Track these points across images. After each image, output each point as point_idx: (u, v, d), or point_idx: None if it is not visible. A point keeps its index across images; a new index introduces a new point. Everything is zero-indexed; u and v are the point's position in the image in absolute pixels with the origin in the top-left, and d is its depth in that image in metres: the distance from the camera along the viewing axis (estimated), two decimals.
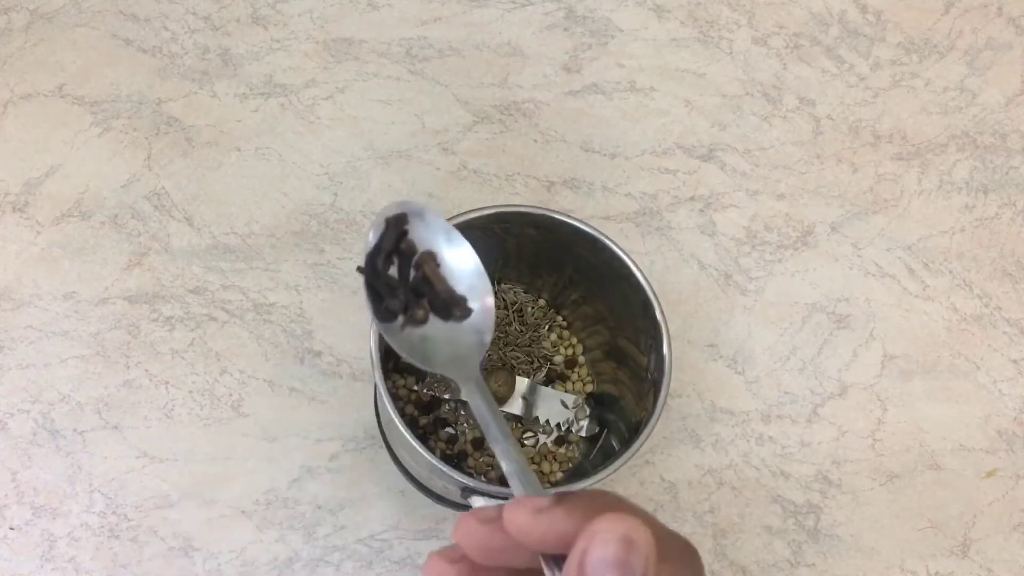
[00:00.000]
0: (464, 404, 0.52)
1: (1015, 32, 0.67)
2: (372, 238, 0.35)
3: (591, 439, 0.52)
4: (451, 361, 0.33)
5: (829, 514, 0.55)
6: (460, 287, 0.35)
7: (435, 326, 0.34)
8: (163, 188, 0.56)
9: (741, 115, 0.62)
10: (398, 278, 0.35)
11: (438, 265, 0.35)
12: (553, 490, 0.28)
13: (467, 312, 0.34)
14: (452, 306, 0.34)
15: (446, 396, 0.51)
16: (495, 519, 0.24)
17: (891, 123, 0.64)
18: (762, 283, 0.59)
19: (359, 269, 0.35)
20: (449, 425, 0.52)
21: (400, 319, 0.34)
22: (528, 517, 0.23)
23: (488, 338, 0.34)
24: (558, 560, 0.24)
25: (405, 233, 0.35)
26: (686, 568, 0.25)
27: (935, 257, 0.61)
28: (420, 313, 0.34)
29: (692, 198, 0.60)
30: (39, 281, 0.54)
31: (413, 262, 0.35)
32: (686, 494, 0.54)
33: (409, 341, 0.34)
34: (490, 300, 0.34)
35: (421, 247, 0.35)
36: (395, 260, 0.35)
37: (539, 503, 0.23)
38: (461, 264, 0.35)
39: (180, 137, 0.58)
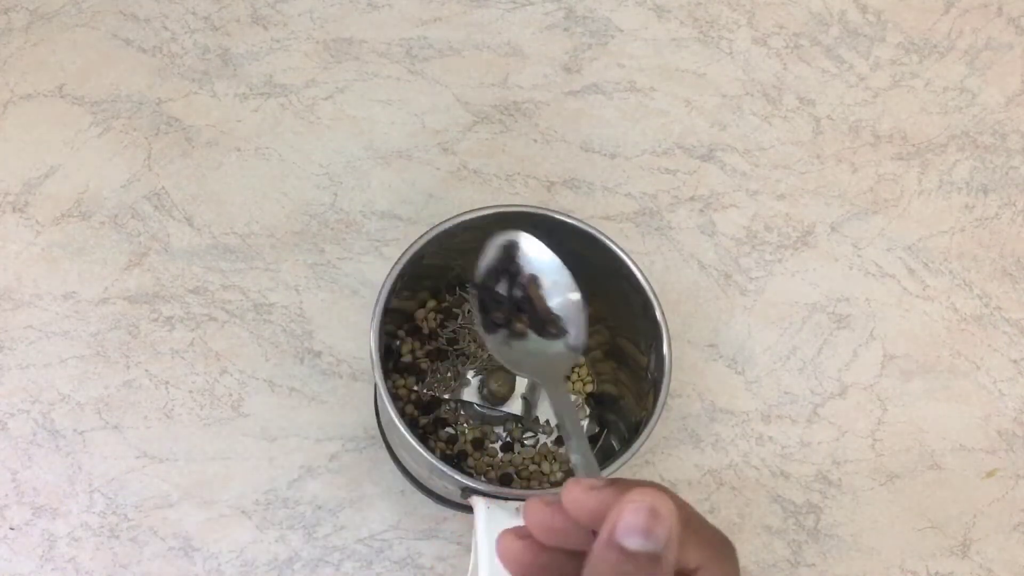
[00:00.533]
0: (464, 404, 0.52)
1: (1015, 32, 0.67)
2: (490, 257, 0.40)
3: (591, 439, 0.52)
4: (541, 368, 0.38)
5: (829, 514, 0.55)
6: (556, 304, 0.40)
7: (532, 338, 0.40)
8: (163, 188, 0.56)
9: (741, 115, 0.62)
10: (505, 295, 0.40)
11: (540, 288, 0.40)
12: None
13: (562, 332, 0.39)
14: (548, 324, 0.40)
15: (446, 396, 0.51)
16: (557, 502, 0.27)
17: (891, 123, 0.64)
18: (762, 283, 0.59)
19: (473, 284, 0.40)
20: (449, 425, 0.52)
21: (502, 331, 0.40)
22: (582, 493, 0.26)
23: (580, 353, 0.40)
24: None
25: (514, 257, 0.41)
26: (723, 558, 0.27)
27: (935, 257, 0.61)
28: (519, 327, 0.40)
29: (692, 198, 0.60)
30: (39, 281, 0.54)
31: (519, 282, 0.41)
32: (686, 494, 0.54)
33: (508, 349, 0.39)
34: (584, 318, 0.40)
35: (527, 270, 0.41)
36: (504, 279, 0.40)
37: (593, 483, 0.26)
38: (559, 287, 0.41)
39: (180, 137, 0.58)
